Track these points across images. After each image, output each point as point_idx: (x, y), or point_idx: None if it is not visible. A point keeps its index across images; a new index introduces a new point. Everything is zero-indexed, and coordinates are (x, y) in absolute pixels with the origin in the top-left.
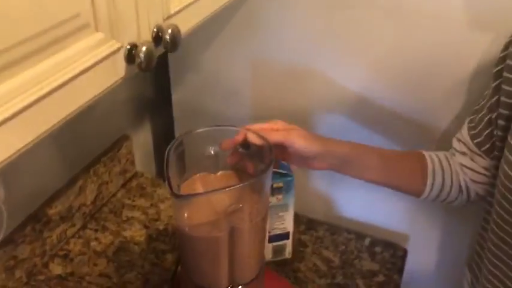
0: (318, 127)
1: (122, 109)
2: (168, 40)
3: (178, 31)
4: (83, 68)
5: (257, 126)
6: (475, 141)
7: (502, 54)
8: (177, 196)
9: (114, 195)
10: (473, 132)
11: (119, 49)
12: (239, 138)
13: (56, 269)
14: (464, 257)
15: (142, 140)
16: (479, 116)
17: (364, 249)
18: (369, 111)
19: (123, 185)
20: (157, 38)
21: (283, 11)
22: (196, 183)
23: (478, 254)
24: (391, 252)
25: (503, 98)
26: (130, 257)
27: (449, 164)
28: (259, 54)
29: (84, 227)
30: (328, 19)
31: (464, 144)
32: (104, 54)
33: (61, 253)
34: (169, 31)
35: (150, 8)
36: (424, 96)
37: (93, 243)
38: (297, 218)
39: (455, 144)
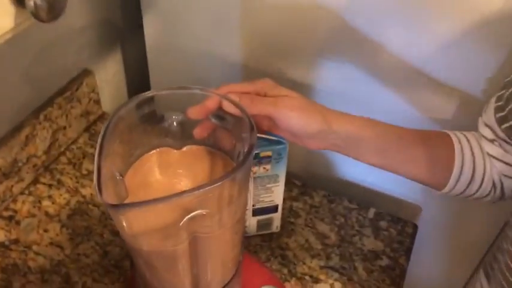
0: (322, 76)
1: (81, 39)
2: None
3: None
4: None
5: (237, 88)
6: (503, 126)
7: None
8: (110, 206)
9: (74, 141)
10: (500, 114)
11: None
12: (211, 105)
13: None
14: (484, 241)
15: (111, 76)
16: (510, 92)
17: (366, 222)
18: (389, 58)
19: (87, 129)
20: None
21: None
22: (151, 164)
23: (495, 258)
24: (399, 229)
25: None
26: (88, 222)
27: (482, 151)
28: None
29: (35, 181)
30: None
31: (491, 129)
32: None
33: (5, 214)
34: None
35: None
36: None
37: (45, 203)
38: (289, 181)
39: (482, 128)
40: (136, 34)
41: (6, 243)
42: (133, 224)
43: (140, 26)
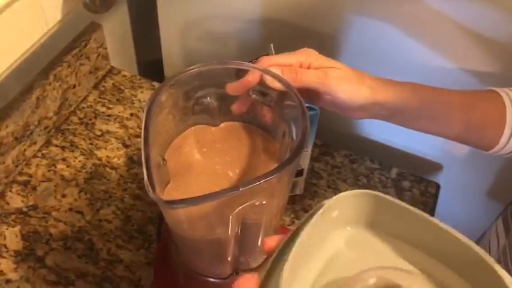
0: (345, 30)
1: None
2: None
3: None
4: None
5: (280, 61)
6: None
7: None
8: (165, 203)
9: (84, 99)
10: None
11: None
12: (252, 80)
13: (15, 200)
14: (503, 195)
15: (118, 28)
16: None
17: (389, 183)
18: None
19: (95, 86)
20: None
21: None
22: (190, 144)
23: None
24: (422, 189)
25: None
26: (107, 186)
27: None
28: None
29: (48, 143)
30: None
31: None
32: None
33: (20, 179)
34: None
35: None
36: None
37: (60, 166)
38: None
39: None
40: None
41: (24, 209)
42: (185, 216)
43: None
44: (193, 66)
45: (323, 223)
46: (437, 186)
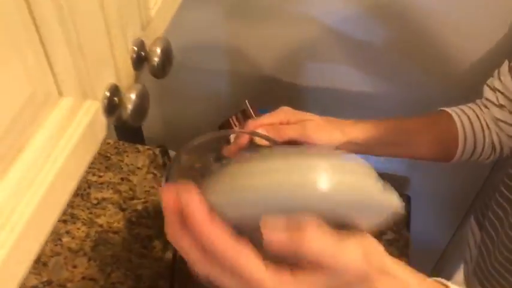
0: (311, 84)
1: None
2: (158, 63)
3: (169, 44)
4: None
5: (264, 122)
6: None
7: None
8: None
9: None
10: None
11: (98, 108)
12: (244, 142)
13: (29, 279)
14: (469, 203)
15: None
16: None
17: None
18: (374, 56)
19: None
20: (140, 60)
21: None
22: None
23: (494, 212)
24: None
25: None
26: (113, 250)
27: (480, 122)
28: None
29: None
30: None
31: (503, 93)
32: (80, 130)
33: None
34: (159, 50)
35: (124, 19)
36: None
37: (65, 239)
38: None
39: (489, 94)
40: None
41: (40, 286)
42: None
43: None
44: (200, 137)
45: None
46: (408, 198)
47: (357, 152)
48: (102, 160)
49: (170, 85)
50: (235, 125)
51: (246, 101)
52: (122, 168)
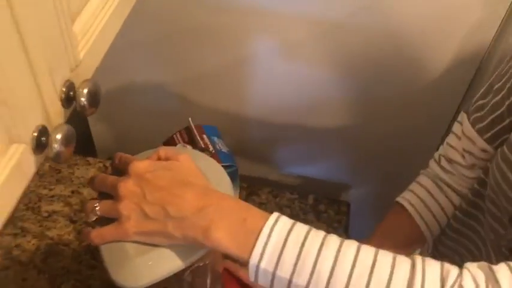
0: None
1: None
2: (85, 103)
3: (97, 86)
4: None
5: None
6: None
7: None
8: None
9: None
10: (480, 125)
11: (24, 150)
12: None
13: None
14: None
15: None
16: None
17: (308, 208)
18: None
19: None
20: (69, 101)
21: None
22: None
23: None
24: (336, 209)
25: None
26: (63, 262)
27: (436, 199)
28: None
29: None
30: None
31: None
32: (6, 172)
33: None
34: (85, 92)
35: (52, 64)
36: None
37: (15, 253)
38: None
39: (453, 155)
40: None
41: None
42: None
43: None
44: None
45: None
46: (348, 205)
47: None
48: (53, 173)
49: (121, 99)
50: (179, 141)
51: (189, 119)
52: (73, 181)
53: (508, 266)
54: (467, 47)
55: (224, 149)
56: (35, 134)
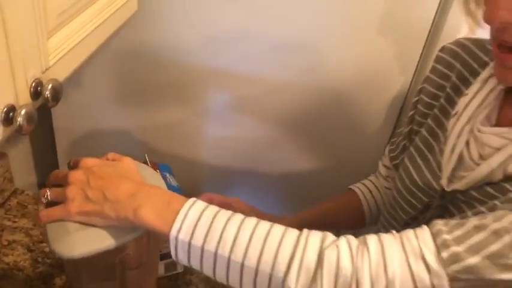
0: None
1: None
2: (48, 96)
3: (60, 85)
4: None
5: None
6: (394, 162)
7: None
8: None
9: None
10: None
11: None
12: None
13: None
14: None
15: (21, 155)
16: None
17: None
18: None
19: (1, 205)
20: (37, 94)
21: None
22: None
23: None
24: None
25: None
26: (15, 285)
27: (379, 191)
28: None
29: None
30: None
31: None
32: None
33: None
34: (50, 86)
35: (27, 64)
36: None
37: None
38: None
39: (382, 170)
40: (43, 115)
41: None
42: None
43: (47, 109)
44: None
45: None
46: None
47: None
48: (19, 208)
49: (89, 140)
50: None
51: (146, 155)
52: (37, 215)
53: (378, 235)
54: (390, 93)
55: (174, 183)
56: (5, 109)
